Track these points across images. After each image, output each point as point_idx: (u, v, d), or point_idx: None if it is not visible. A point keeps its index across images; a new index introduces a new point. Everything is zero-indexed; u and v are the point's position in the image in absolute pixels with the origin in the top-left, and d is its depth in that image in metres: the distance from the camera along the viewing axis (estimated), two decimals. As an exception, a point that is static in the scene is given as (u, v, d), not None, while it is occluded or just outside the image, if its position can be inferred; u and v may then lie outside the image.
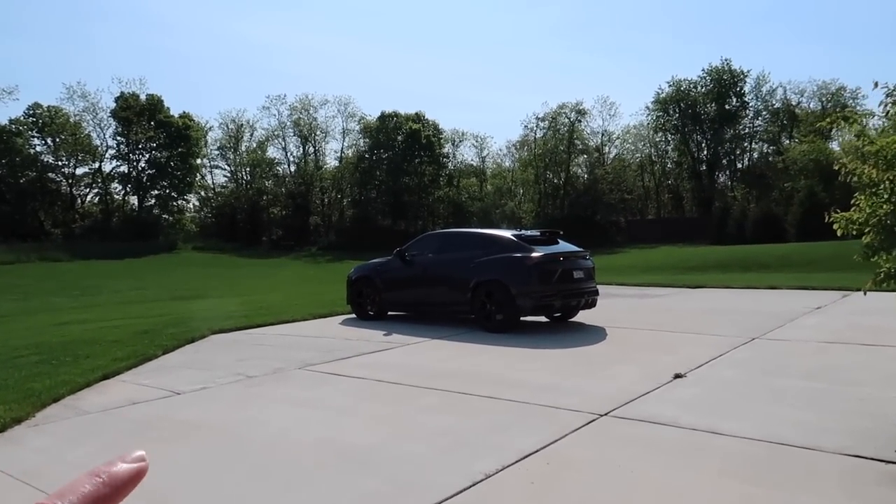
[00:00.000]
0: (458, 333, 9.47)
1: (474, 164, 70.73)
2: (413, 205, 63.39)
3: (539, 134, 64.81)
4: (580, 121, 64.26)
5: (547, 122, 63.82)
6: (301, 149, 68.06)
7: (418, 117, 65.11)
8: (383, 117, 64.41)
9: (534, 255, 9.46)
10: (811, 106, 65.56)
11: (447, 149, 67.86)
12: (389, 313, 11.51)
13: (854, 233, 5.03)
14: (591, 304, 10.09)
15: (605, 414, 5.09)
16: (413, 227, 63.89)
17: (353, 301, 11.70)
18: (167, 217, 60.93)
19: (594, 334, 9.09)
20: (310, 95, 67.90)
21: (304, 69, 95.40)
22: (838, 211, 5.17)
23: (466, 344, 8.67)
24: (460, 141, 69.63)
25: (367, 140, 64.80)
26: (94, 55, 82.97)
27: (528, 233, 10.39)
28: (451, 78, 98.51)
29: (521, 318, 9.72)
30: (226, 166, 68.29)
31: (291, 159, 68.27)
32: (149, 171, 59.82)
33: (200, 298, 22.58)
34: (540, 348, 8.12)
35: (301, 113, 67.40)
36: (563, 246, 10.30)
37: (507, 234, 10.27)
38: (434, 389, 6.05)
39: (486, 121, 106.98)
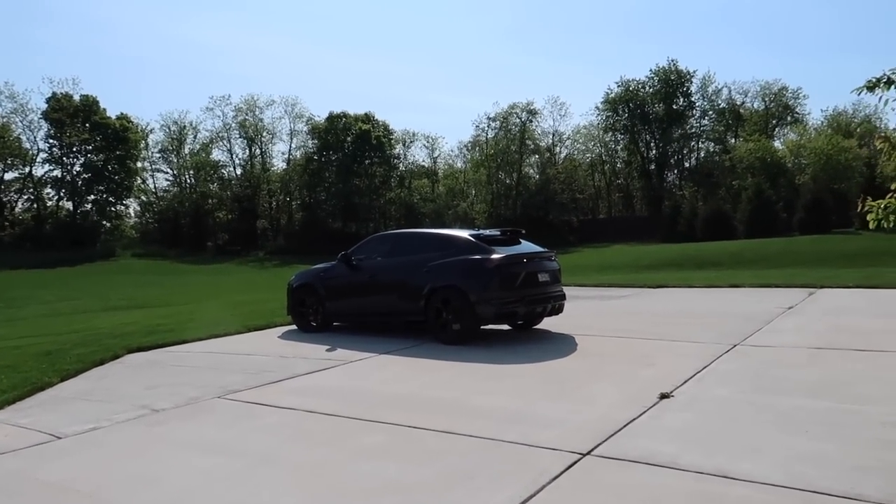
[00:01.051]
0: (410, 347, 8.43)
1: (426, 165, 69.78)
2: (364, 207, 62.03)
3: (490, 134, 64.27)
4: (531, 121, 64.06)
5: (498, 122, 63.33)
6: (247, 151, 66.08)
7: (368, 118, 63.78)
8: (332, 118, 62.90)
9: (494, 256, 8.45)
10: (755, 105, 66.78)
11: (398, 150, 66.76)
12: (336, 324, 10.35)
13: (892, 223, 4.18)
14: (558, 310, 9.18)
15: (589, 452, 4.13)
16: (364, 229, 62.49)
17: (294, 311, 10.48)
18: (105, 223, 58.01)
19: (561, 344, 8.18)
20: (255, 96, 65.93)
21: (249, 70, 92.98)
22: (869, 199, 4.27)
23: (418, 360, 7.63)
24: (411, 142, 68.62)
25: (316, 141, 63.21)
26: (24, 55, 79.08)
27: (488, 232, 9.25)
28: (400, 81, 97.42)
29: (481, 328, 8.71)
30: (168, 170, 65.77)
31: (237, 162, 66.23)
32: (84, 176, 56.92)
33: (136, 308, 21.00)
34: (502, 363, 7.13)
35: (246, 114, 65.37)
36: (526, 246, 9.27)
37: (463, 234, 9.17)
38: (378, 423, 5.00)
39: (438, 123, 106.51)
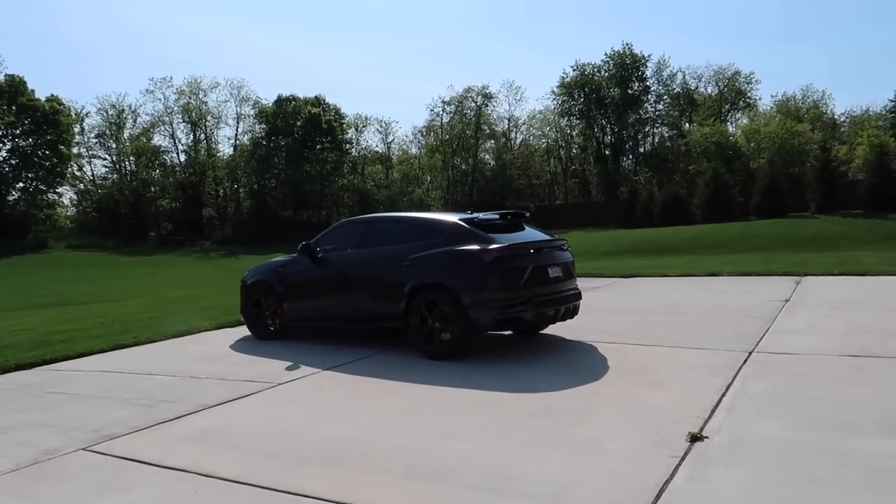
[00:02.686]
0: (362, 359, 6.91)
1: (380, 151, 67.79)
2: (315, 194, 59.84)
3: (446, 118, 62.76)
4: (487, 105, 62.76)
5: (453, 106, 61.85)
6: (191, 136, 62.96)
7: (318, 101, 61.46)
8: (280, 101, 60.36)
9: (492, 247, 6.65)
10: (709, 90, 66.72)
11: (350, 135, 64.59)
12: (307, 331, 8.59)
13: None
14: (573, 313, 7.36)
15: (618, 556, 2.67)
16: (316, 217, 60.36)
17: (248, 313, 8.73)
18: (36, 213, 54.38)
19: (542, 353, 6.73)
20: (199, 78, 62.82)
21: (193, 55, 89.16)
22: None
23: (370, 380, 6.07)
24: (364, 126, 66.49)
25: (264, 126, 60.66)
26: (-54, 32, 74.00)
27: (483, 216, 7.31)
28: (352, 66, 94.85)
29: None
30: (106, 156, 62.28)
31: (181, 147, 63.08)
32: (11, 162, 53.18)
33: (58, 306, 18.89)
34: (478, 387, 5.58)
35: (190, 97, 62.22)
36: (531, 233, 7.36)
37: (452, 218, 7.30)
38: (297, 498, 3.44)
39: (392, 110, 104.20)
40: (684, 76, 65.70)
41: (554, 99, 64.53)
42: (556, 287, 7.03)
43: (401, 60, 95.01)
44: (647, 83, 63.91)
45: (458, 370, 6.21)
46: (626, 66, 62.84)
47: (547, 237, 7.43)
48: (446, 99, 62.15)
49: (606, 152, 64.84)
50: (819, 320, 7.92)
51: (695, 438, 3.98)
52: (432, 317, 6.78)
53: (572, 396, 5.10)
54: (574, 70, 63.11)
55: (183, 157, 62.88)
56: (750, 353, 6.26)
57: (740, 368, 5.70)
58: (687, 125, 63.89)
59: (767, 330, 7.40)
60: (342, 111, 62.70)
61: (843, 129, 60.40)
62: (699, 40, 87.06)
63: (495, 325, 6.71)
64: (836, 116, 62.91)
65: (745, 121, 62.17)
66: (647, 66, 63.29)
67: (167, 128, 62.44)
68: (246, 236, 53.95)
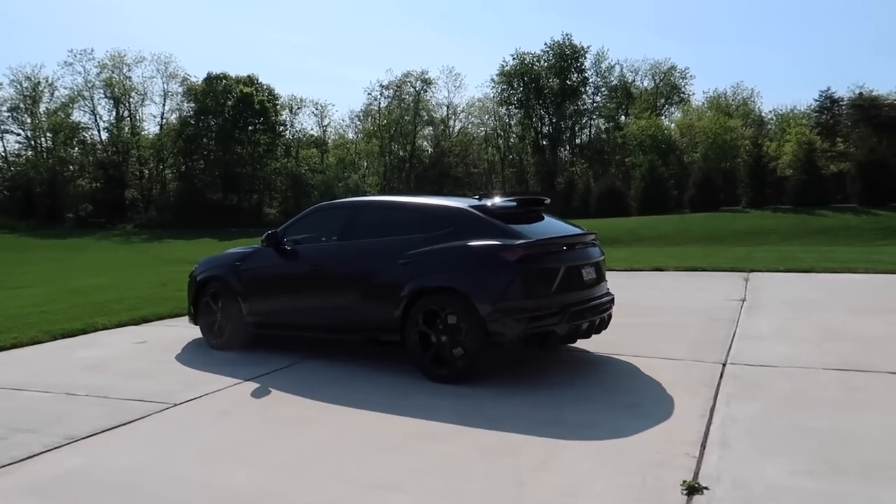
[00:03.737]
0: (287, 367, 5.92)
1: (315, 135, 65.81)
2: (246, 177, 57.53)
3: (384, 103, 61.37)
4: (426, 90, 61.75)
5: (392, 90, 60.52)
6: (114, 112, 59.40)
7: (251, 80, 59.01)
8: (210, 79, 57.65)
9: (518, 242, 5.31)
10: (645, 84, 67.55)
11: (284, 116, 62.36)
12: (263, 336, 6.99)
13: None
14: (607, 323, 6.04)
15: None
16: (247, 201, 58.17)
17: (199, 317, 7.17)
18: (-63, 191, 50.25)
19: (498, 369, 5.82)
20: (122, 52, 59.29)
21: (116, 27, 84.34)
22: None
23: (291, 398, 5.08)
24: (299, 108, 64.35)
25: (193, 104, 57.89)
26: None
27: (498, 202, 5.91)
28: (287, 47, 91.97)
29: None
30: (20, 131, 58.15)
31: (102, 125, 59.47)
32: None
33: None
34: (420, 412, 4.60)
35: (113, 71, 58.67)
36: (556, 225, 6.05)
37: (461, 204, 5.94)
38: None
39: (328, 93, 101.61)
40: (622, 69, 66.31)
41: (493, 87, 64.06)
42: (590, 293, 5.74)
43: (338, 43, 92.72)
44: (586, 74, 64.12)
45: (397, 387, 5.27)
46: (566, 57, 62.87)
47: (577, 230, 6.04)
48: (385, 83, 60.80)
49: (544, 142, 64.85)
50: (785, 324, 7.34)
51: (692, 490, 3.18)
52: (437, 329, 5.43)
53: (534, 425, 4.24)
54: (514, 59, 62.74)
55: (104, 135, 59.47)
56: (724, 366, 5.57)
57: (719, 386, 4.97)
58: (623, 118, 64.46)
59: (734, 335, 6.76)
60: (276, 92, 60.49)
61: (769, 126, 62.09)
62: (637, 34, 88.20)
63: (520, 341, 5.24)
64: (763, 114, 64.66)
65: (678, 115, 63.23)
66: (585, 58, 63.47)
67: (87, 103, 58.84)
68: (172, 220, 51.38)
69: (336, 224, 6.53)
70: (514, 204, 5.89)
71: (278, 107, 60.30)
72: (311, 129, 66.24)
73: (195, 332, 7.38)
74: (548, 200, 6.27)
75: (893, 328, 6.99)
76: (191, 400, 5.01)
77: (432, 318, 5.47)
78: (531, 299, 5.24)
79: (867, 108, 47.99)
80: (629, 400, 4.72)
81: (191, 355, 6.56)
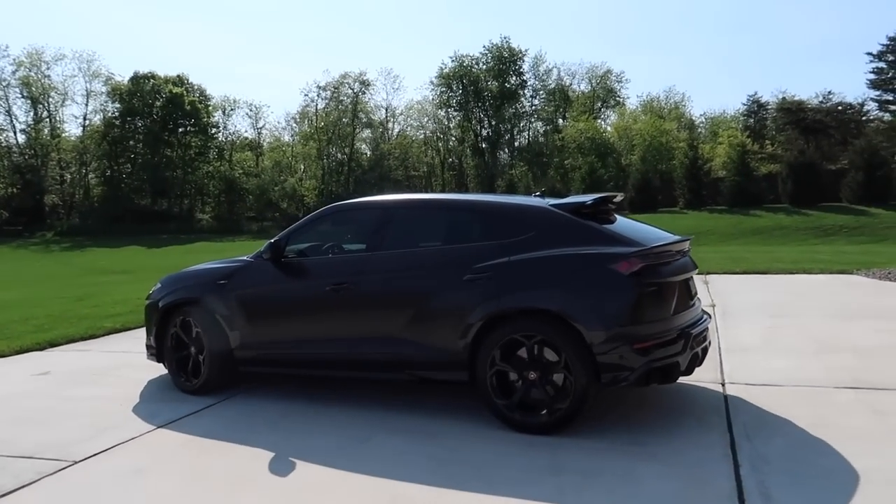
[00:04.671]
0: (219, 402, 4.98)
1: (249, 137, 63.77)
2: (177, 181, 55.18)
3: (321, 105, 59.96)
4: (364, 92, 60.71)
5: (329, 91, 59.16)
6: (31, 113, 55.94)
7: (181, 80, 56.72)
8: (137, 79, 55.08)
9: (632, 250, 4.22)
10: (582, 87, 68.31)
11: (217, 118, 60.15)
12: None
13: None
14: (706, 353, 4.81)
15: None
16: (178, 206, 55.79)
17: (165, 353, 5.57)
18: None
19: (467, 394, 5.06)
20: (41, 49, 55.94)
21: (34, 23, 79.80)
22: None
23: (222, 447, 4.18)
24: (232, 110, 62.25)
25: (118, 105, 55.17)
26: None
27: (571, 200, 4.66)
28: (220, 48, 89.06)
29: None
30: (-76, 132, 54.08)
31: (18, 126, 55.90)
32: None
33: None
34: (379, 468, 3.84)
35: (30, 69, 55.28)
36: (643, 227, 4.92)
37: (538, 203, 4.77)
38: None
39: (263, 95, 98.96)
40: (559, 72, 66.91)
41: (432, 89, 63.61)
42: (694, 313, 4.65)
43: (273, 44, 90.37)
44: (524, 77, 64.37)
45: (355, 426, 4.41)
46: (504, 60, 62.98)
47: (677, 235, 4.82)
48: (322, 84, 59.41)
49: (484, 145, 64.76)
50: (769, 333, 6.84)
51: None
52: (522, 364, 4.24)
53: (531, 476, 3.47)
54: (453, 61, 62.44)
55: (21, 138, 55.96)
56: (724, 385, 4.96)
57: (729, 415, 4.32)
58: (561, 121, 64.97)
59: (719, 347, 6.18)
60: (208, 93, 58.36)
61: (700, 129, 63.61)
62: (573, 38, 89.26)
63: (641, 377, 4.08)
64: (694, 117, 66.26)
65: (614, 118, 64.17)
66: (524, 61, 63.73)
67: (2, 103, 55.22)
68: (95, 227, 48.72)
69: (363, 229, 5.27)
70: (587, 201, 4.56)
71: (210, 108, 58.18)
72: (246, 131, 64.32)
73: (112, 359, 6.32)
74: (620, 197, 4.98)
75: (884, 336, 6.54)
76: (96, 454, 4.01)
77: (510, 349, 4.28)
78: (651, 323, 4.15)
79: (795, 112, 49.63)
80: (634, 436, 4.00)
81: (102, 390, 5.52)
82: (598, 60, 79.92)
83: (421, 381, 4.69)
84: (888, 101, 48.88)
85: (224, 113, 61.24)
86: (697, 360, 4.46)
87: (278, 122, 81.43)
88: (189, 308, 5.45)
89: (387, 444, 4.04)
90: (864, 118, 50.34)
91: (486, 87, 63.17)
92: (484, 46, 62.99)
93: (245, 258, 5.50)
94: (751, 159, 43.33)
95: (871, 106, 50.41)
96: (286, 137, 64.14)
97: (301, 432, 4.32)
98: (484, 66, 63.13)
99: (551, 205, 4.59)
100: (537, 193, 5.46)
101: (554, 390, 4.16)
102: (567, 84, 67.02)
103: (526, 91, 65.15)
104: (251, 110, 63.30)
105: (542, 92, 66.30)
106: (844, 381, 4.93)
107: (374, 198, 5.58)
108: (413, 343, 4.58)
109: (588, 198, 4.59)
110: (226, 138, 61.14)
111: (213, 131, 58.55)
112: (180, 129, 55.47)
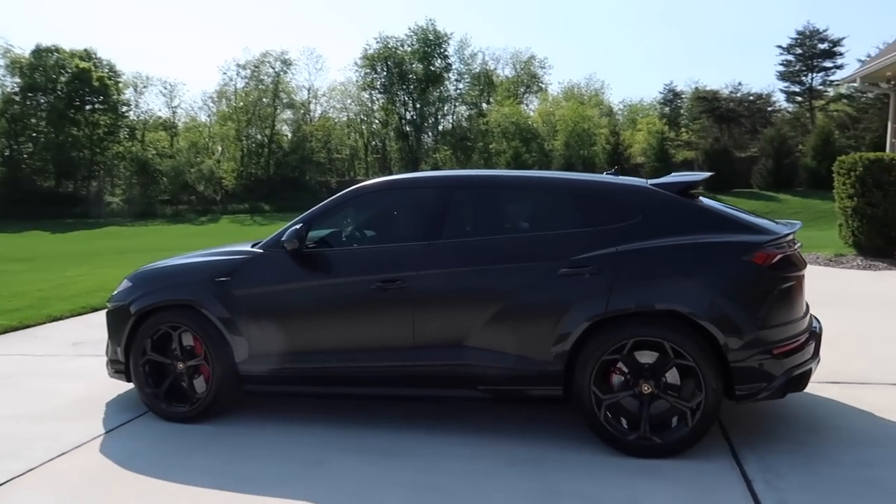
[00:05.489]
0: (130, 420, 4.43)
1: (163, 116, 60.73)
2: (84, 162, 51.96)
3: (240, 84, 57.70)
4: (286, 72, 58.84)
5: (249, 70, 56.96)
6: (-84, 87, 51.31)
7: (88, 55, 53.32)
8: (39, 52, 51.39)
9: (767, 238, 3.76)
10: (506, 73, 68.68)
11: (128, 95, 56.94)
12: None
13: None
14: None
15: None
16: (85, 189, 52.61)
17: (137, 365, 4.61)
18: None
19: (430, 410, 4.71)
20: (-75, 16, 51.29)
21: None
22: None
23: (131, 482, 3.70)
24: (144, 87, 59.02)
25: (18, 80, 51.30)
26: None
27: (676, 180, 4.12)
28: (131, 21, 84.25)
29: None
30: None
31: None
32: None
33: None
34: (340, 497, 3.47)
35: (-86, 39, 50.65)
36: (742, 212, 4.28)
37: (640, 183, 4.25)
38: None
39: (178, 74, 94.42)
40: (484, 56, 67.16)
41: (356, 71, 62.56)
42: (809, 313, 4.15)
43: (188, 19, 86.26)
44: (449, 61, 64.12)
45: (303, 444, 4.00)
46: (429, 42, 62.49)
47: (784, 222, 4.27)
48: (241, 62, 57.14)
49: (408, 128, 64.22)
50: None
51: None
52: (633, 374, 3.74)
53: (523, 501, 3.17)
54: (378, 42, 61.48)
55: None
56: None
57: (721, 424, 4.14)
58: (485, 105, 65.15)
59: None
60: (118, 69, 55.08)
61: (618, 116, 65.14)
62: (498, 23, 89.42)
63: (780, 388, 3.65)
64: (612, 105, 67.82)
65: (537, 104, 64.90)
66: (449, 44, 63.43)
67: None
68: (-6, 211, 45.27)
69: (410, 214, 4.46)
70: (686, 180, 4.02)
71: (120, 85, 55.00)
72: (160, 110, 61.29)
73: (5, 364, 5.61)
74: (705, 177, 4.28)
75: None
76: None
77: (613, 358, 3.74)
78: (789, 324, 3.69)
79: (710, 101, 51.46)
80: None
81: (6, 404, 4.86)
82: (523, 46, 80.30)
83: (497, 398, 4.04)
84: (795, 93, 51.38)
85: (136, 90, 58.04)
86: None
87: (195, 102, 77.77)
88: (176, 313, 4.50)
89: (346, 468, 3.68)
90: (771, 109, 52.78)
91: (410, 69, 62.54)
92: (409, 28, 62.39)
93: (248, 248, 4.58)
94: (669, 146, 44.67)
95: (779, 96, 52.99)
96: (203, 117, 61.51)
97: (241, 455, 3.89)
98: (409, 49, 62.47)
99: (652, 184, 4.08)
100: (610, 171, 4.96)
101: (677, 406, 3.66)
102: (492, 69, 67.24)
103: (451, 75, 64.89)
104: (165, 88, 60.41)
105: (466, 76, 66.21)
106: (824, 376, 4.81)
107: (423, 175, 4.82)
108: (489, 353, 3.89)
109: (694, 176, 4.04)
110: (138, 117, 58.02)
111: (123, 109, 55.40)
112: (88, 107, 52.19)
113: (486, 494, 3.32)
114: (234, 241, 6.39)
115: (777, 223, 4.10)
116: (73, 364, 6.04)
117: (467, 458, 3.75)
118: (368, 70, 62.28)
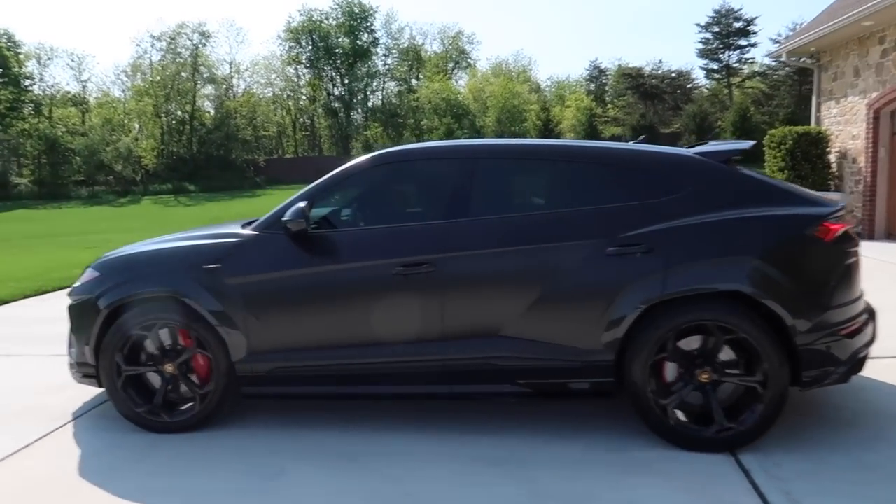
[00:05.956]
0: (75, 419, 3.88)
1: (72, 91, 57.16)
2: (-15, 140, 48.35)
3: (156, 56, 54.73)
4: (205, 44, 56.21)
5: (165, 42, 54.10)
6: None
7: (-16, 24, 49.44)
8: (-73, 20, 47.33)
9: (820, 211, 3.46)
10: (434, 48, 68.05)
11: (31, 68, 53.21)
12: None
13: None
14: None
15: None
16: (-12, 170, 49.02)
17: (106, 369, 3.91)
18: None
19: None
20: None
21: None
22: None
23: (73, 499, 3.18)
24: (49, 59, 55.38)
25: None
26: None
27: (720, 148, 3.77)
28: (30, -19, 78.55)
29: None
30: None
31: None
32: None
33: None
34: None
35: None
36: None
37: (685, 153, 3.79)
38: None
39: (86, 46, 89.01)
40: (412, 31, 66.43)
41: (280, 44, 60.71)
42: None
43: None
44: (376, 35, 63.04)
45: (256, 451, 3.55)
46: (355, 16, 61.22)
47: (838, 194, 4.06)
48: (156, 34, 54.22)
49: (336, 105, 62.89)
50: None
51: None
52: (692, 364, 3.41)
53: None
54: (301, 15, 59.68)
55: None
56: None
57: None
58: (415, 81, 64.45)
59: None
60: (17, 39, 51.34)
61: (545, 92, 65.68)
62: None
63: (847, 372, 3.42)
64: (540, 81, 68.30)
65: (465, 80, 64.66)
66: (375, 18, 62.29)
67: None
68: None
69: (436, 188, 3.95)
70: (730, 148, 3.74)
71: (21, 56, 51.32)
72: (67, 84, 57.78)
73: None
74: (748, 145, 3.86)
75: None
76: None
77: (668, 346, 3.41)
78: (852, 303, 3.44)
79: (635, 78, 52.41)
80: (615, 443, 3.49)
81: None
82: (450, 21, 79.79)
83: (538, 393, 3.62)
84: (713, 70, 52.89)
85: (39, 62, 54.34)
86: None
87: (106, 76, 73.37)
88: (155, 307, 3.87)
89: (306, 479, 3.25)
90: (690, 86, 54.21)
91: (336, 43, 61.14)
92: (334, 1, 60.71)
93: (237, 230, 4.01)
94: (597, 122, 45.33)
95: (699, 74, 54.63)
96: (117, 92, 58.23)
97: (182, 469, 3.40)
98: (334, 22, 61.03)
99: (696, 153, 3.71)
100: (638, 140, 4.58)
101: (740, 394, 3.39)
102: (420, 44, 66.50)
103: (378, 50, 63.85)
104: (73, 60, 56.85)
105: (394, 51, 65.29)
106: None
107: (446, 143, 4.28)
108: (528, 343, 3.50)
109: (737, 144, 3.72)
110: (43, 92, 54.43)
111: (26, 83, 51.81)
112: (-14, 81, 48.57)
113: (466, 500, 2.97)
114: (159, 223, 5.71)
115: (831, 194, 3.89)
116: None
117: (444, 459, 3.39)
118: (293, 44, 60.53)
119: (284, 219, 3.68)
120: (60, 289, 8.61)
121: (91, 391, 4.48)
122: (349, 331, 3.69)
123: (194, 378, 3.90)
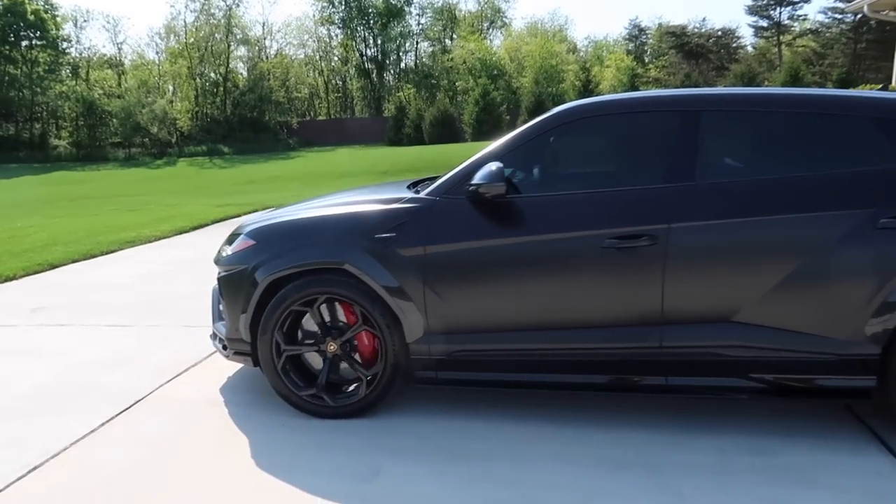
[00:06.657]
0: (131, 407, 3.56)
1: (108, 54, 57.34)
2: (24, 103, 48.79)
3: (189, 18, 54.55)
4: (238, 5, 55.76)
5: (198, 3, 53.71)
6: None
7: (20, -15, 49.38)
8: (-35, -17, 47.41)
9: None
10: (468, 6, 66.65)
11: (68, 30, 53.36)
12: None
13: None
14: None
15: None
16: (28, 131, 49.55)
17: (265, 347, 3.48)
18: None
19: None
20: None
21: None
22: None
23: None
24: (86, 21, 55.75)
25: (-57, 13, 47.45)
26: None
27: None
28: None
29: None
30: None
31: None
32: None
33: None
34: None
35: None
36: None
37: None
38: None
39: (121, 8, 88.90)
40: (446, -10, 64.88)
41: (313, 4, 59.88)
42: None
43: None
44: (408, -6, 61.86)
45: (353, 449, 3.18)
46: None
47: None
48: (190, -5, 53.86)
49: (369, 66, 62.13)
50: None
51: None
52: None
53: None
54: (333, -27, 58.59)
55: None
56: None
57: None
58: (448, 41, 63.24)
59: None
60: (53, 2, 51.29)
61: (582, 52, 64.01)
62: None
63: None
64: (577, 41, 66.60)
65: (500, 40, 63.26)
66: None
67: None
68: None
69: (648, 146, 3.40)
70: None
71: (58, 19, 51.40)
72: (104, 46, 57.85)
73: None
74: None
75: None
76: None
77: None
78: None
79: (679, 36, 50.64)
80: (752, 444, 3.04)
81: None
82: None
83: (775, 389, 3.06)
84: (762, 28, 50.82)
85: (76, 25, 54.51)
86: None
87: (141, 38, 73.11)
88: (319, 279, 3.42)
89: (406, 473, 2.85)
90: (735, 45, 52.23)
91: (370, 3, 60.12)
92: (363, -42, 59.54)
93: (406, 194, 3.47)
94: (638, 82, 44.02)
95: (745, 32, 52.49)
96: (151, 55, 58.28)
97: (285, 462, 3.04)
98: (367, -20, 59.91)
99: None
100: (878, 88, 4.06)
101: None
102: (454, 3, 65.02)
103: (412, 9, 62.68)
104: (108, 22, 56.98)
105: (428, 10, 64.07)
106: None
107: (654, 93, 3.62)
108: (767, 331, 2.96)
109: None
110: (80, 54, 54.68)
111: (64, 46, 52.00)
112: (24, 43, 48.72)
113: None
114: (197, 185, 5.26)
115: None
116: (34, 336, 5.07)
117: (560, 460, 2.97)
118: (326, 3, 59.71)
119: (475, 182, 3.13)
120: (108, 253, 8.36)
121: (159, 367, 4.16)
122: (544, 312, 3.20)
123: (358, 358, 3.50)
